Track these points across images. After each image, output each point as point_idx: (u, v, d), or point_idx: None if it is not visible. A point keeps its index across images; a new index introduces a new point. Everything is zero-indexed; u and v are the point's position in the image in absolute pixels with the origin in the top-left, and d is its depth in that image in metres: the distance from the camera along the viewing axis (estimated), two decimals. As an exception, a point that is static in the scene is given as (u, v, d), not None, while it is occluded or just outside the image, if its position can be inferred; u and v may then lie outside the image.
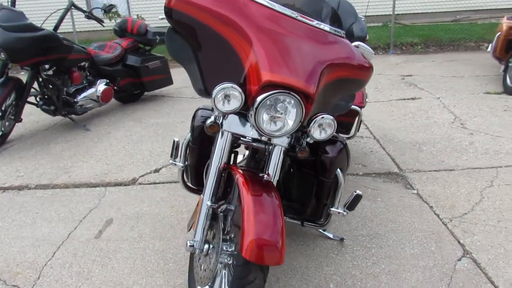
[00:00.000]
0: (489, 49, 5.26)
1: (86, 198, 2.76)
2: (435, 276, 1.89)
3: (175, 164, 1.99)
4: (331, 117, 1.57)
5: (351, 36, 2.56)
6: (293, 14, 1.58)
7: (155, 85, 4.95)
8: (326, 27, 1.63)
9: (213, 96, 1.45)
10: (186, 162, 1.98)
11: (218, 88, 1.43)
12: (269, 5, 1.56)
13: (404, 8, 8.95)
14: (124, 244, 2.24)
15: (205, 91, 1.63)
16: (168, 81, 5.10)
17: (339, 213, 1.82)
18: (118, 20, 5.41)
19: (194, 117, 1.92)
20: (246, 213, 1.36)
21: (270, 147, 1.63)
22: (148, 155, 3.39)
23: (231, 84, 1.43)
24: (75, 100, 4.08)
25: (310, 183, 1.82)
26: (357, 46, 1.75)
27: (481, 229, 2.21)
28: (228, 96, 1.45)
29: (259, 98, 1.43)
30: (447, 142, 3.36)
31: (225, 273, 1.59)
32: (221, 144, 1.59)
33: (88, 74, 4.36)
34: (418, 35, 7.85)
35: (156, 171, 3.11)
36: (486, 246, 2.07)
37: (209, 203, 1.59)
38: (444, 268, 1.93)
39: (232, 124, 1.57)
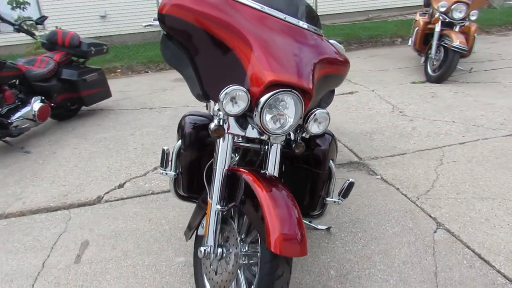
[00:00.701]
0: (409, 43, 5.79)
1: (50, 223, 2.57)
2: (420, 249, 2.07)
3: (166, 174, 1.95)
4: (325, 111, 1.66)
5: None
6: (281, 15, 1.65)
7: (94, 99, 4.71)
8: (310, 27, 1.72)
9: (220, 99, 1.46)
10: (178, 170, 1.95)
11: (225, 91, 1.45)
12: (258, 7, 1.61)
13: (323, 9, 9.47)
14: (110, 264, 2.13)
15: (204, 96, 1.63)
16: (107, 93, 4.88)
17: (334, 202, 1.92)
18: (45, 33, 5.04)
19: (182, 124, 1.90)
20: (267, 209, 1.39)
21: (266, 147, 1.68)
22: (107, 171, 3.23)
23: (238, 86, 1.45)
24: (9, 121, 3.74)
25: (304, 177, 1.89)
26: (332, 44, 1.87)
27: (445, 202, 2.46)
28: (234, 98, 1.47)
29: (264, 98, 1.47)
30: (393, 130, 3.65)
31: (242, 274, 1.60)
32: (224, 147, 1.60)
33: (19, 92, 4.02)
34: (340, 34, 8.35)
35: (121, 186, 2.98)
36: (454, 217, 2.31)
37: (219, 207, 1.59)
38: (425, 241, 2.12)
39: (234, 126, 1.59)
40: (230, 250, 1.59)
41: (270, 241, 1.34)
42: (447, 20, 4.94)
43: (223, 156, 1.61)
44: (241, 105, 1.48)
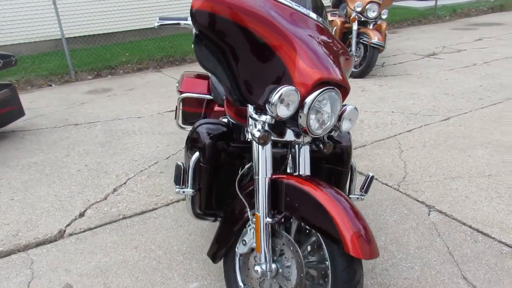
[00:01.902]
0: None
1: (9, 272, 2.11)
2: (425, 232, 2.17)
3: (183, 192, 1.73)
4: (354, 106, 1.64)
5: None
6: (305, 11, 1.58)
7: (7, 119, 4.03)
8: (324, 22, 1.68)
9: (272, 101, 1.34)
10: (196, 187, 1.75)
11: (279, 92, 1.33)
12: (288, 3, 1.52)
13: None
14: (113, 306, 1.83)
15: (243, 99, 1.48)
16: (20, 112, 4.23)
17: (357, 198, 1.90)
18: None
19: (197, 135, 1.71)
20: (335, 213, 1.32)
21: (293, 149, 1.60)
22: (55, 200, 2.78)
23: (290, 87, 1.35)
24: None
25: (327, 176, 1.84)
26: None
27: (424, 186, 2.63)
28: (283, 100, 1.36)
29: (311, 97, 1.39)
30: (343, 124, 3.80)
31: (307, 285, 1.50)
32: (265, 155, 1.48)
33: None
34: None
35: (81, 215, 2.59)
36: (439, 198, 2.48)
37: (269, 219, 1.47)
38: (425, 224, 2.24)
39: (273, 131, 1.49)
40: (288, 263, 1.47)
41: (347, 245, 1.27)
42: (362, 19, 5.32)
43: (265, 164, 1.48)
44: (292, 107, 1.38)
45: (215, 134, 1.71)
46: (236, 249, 1.60)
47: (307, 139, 1.55)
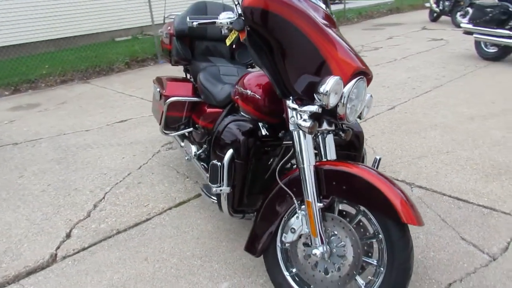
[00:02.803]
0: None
1: (8, 307, 1.90)
2: (416, 205, 2.41)
3: (220, 191, 1.73)
4: (370, 94, 1.79)
5: None
6: (322, 4, 1.69)
7: None
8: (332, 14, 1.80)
9: (324, 91, 1.43)
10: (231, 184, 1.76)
11: (330, 82, 1.42)
12: (312, -2, 1.62)
13: (147, 20, 9.29)
14: (148, 319, 1.76)
15: (289, 92, 1.54)
16: None
17: None
18: None
19: (228, 133, 1.74)
20: (384, 187, 1.44)
21: (317, 138, 1.70)
22: (30, 224, 2.53)
23: (337, 77, 1.45)
24: None
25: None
26: None
27: (398, 167, 2.90)
28: (333, 89, 1.46)
29: (348, 86, 1.50)
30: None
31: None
32: (306, 143, 1.57)
33: None
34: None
35: (68, 236, 2.40)
36: (414, 176, 2.76)
37: (321, 204, 1.55)
38: (413, 199, 2.47)
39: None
40: (342, 243, 1.56)
41: (401, 214, 1.40)
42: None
43: (307, 152, 1.56)
44: (338, 96, 1.48)
45: (246, 130, 1.75)
46: (283, 239, 1.65)
47: (332, 127, 1.65)
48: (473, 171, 2.76)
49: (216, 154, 1.80)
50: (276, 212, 1.67)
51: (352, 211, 1.63)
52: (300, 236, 1.62)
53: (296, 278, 1.70)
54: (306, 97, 1.52)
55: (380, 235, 1.51)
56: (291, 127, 1.58)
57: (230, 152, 1.72)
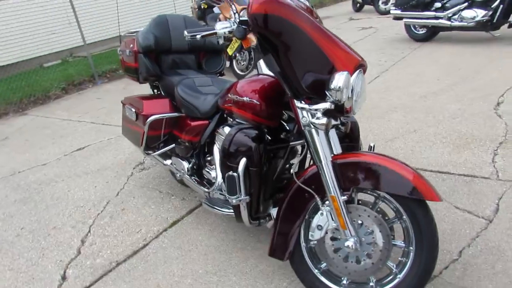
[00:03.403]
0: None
1: None
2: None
3: (239, 201, 1.71)
4: None
5: (212, 46, 2.76)
6: (310, 4, 1.74)
7: None
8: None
9: (337, 87, 1.46)
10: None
11: (341, 78, 1.46)
12: (301, -1, 1.66)
13: (76, 41, 8.87)
14: None
15: (298, 92, 1.56)
16: None
17: None
18: None
19: (239, 141, 1.72)
20: (401, 170, 1.53)
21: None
22: (15, 274, 2.31)
23: (345, 73, 1.49)
24: None
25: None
26: None
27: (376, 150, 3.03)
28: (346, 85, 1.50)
29: (354, 79, 1.56)
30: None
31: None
32: (321, 140, 1.60)
33: None
34: (112, 62, 8.04)
35: (64, 278, 2.23)
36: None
37: (344, 197, 1.59)
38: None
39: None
40: (369, 230, 1.61)
41: (423, 193, 1.48)
42: (239, 25, 5.64)
43: (325, 148, 1.60)
44: (348, 91, 1.53)
45: (255, 137, 1.75)
46: (310, 237, 1.66)
47: (337, 121, 1.70)
48: (443, 144, 2.96)
49: (227, 166, 1.77)
50: (298, 212, 1.69)
51: (370, 199, 1.68)
52: (326, 232, 1.65)
53: (326, 274, 1.73)
54: (316, 95, 1.55)
55: (404, 216, 1.58)
56: (304, 127, 1.60)
57: (243, 161, 1.70)
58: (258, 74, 1.92)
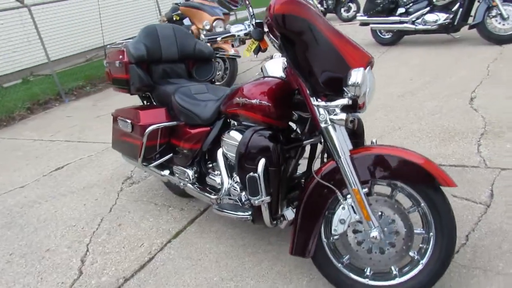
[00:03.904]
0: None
1: None
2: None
3: (262, 201, 1.71)
4: None
5: (201, 54, 2.78)
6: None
7: None
8: None
9: (359, 82, 1.52)
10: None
11: (359, 74, 1.52)
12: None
13: (36, 59, 8.57)
14: None
15: (316, 90, 1.59)
16: None
17: None
18: None
19: (257, 142, 1.74)
20: (417, 160, 1.62)
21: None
22: (14, 301, 2.20)
23: (361, 69, 1.55)
24: None
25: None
26: None
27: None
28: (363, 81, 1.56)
29: (368, 76, 1.62)
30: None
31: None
32: (338, 136, 1.65)
33: None
34: (78, 78, 7.82)
35: (69, 299, 2.14)
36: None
37: (365, 190, 1.64)
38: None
39: None
40: (390, 219, 1.66)
41: (440, 179, 1.56)
42: (212, 36, 5.67)
43: (342, 144, 1.65)
44: (364, 86, 1.58)
45: (272, 137, 1.76)
46: (333, 231, 1.69)
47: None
48: (429, 139, 3.09)
49: (245, 168, 1.78)
50: (318, 208, 1.71)
51: (386, 191, 1.73)
52: (349, 225, 1.68)
53: (349, 267, 1.76)
54: (333, 92, 1.60)
55: (422, 204, 1.64)
56: (322, 124, 1.63)
57: (262, 161, 1.71)
58: (264, 77, 1.95)
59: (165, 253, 2.36)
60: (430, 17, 5.56)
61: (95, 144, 4.51)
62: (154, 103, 2.74)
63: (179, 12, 5.86)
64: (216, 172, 2.29)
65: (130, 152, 2.68)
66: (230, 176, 2.14)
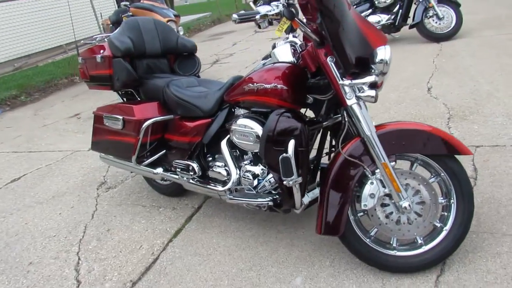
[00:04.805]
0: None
1: None
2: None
3: (295, 182, 1.71)
4: None
5: (184, 48, 2.74)
6: None
7: None
8: None
9: (382, 60, 1.60)
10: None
11: (389, 52, 1.60)
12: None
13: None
14: None
15: (349, 66, 1.63)
16: None
17: None
18: None
19: (285, 124, 1.74)
20: (437, 132, 1.73)
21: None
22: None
23: (386, 46, 1.63)
24: None
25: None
26: None
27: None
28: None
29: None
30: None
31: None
32: (364, 113, 1.71)
33: None
34: (10, 88, 7.20)
35: (74, 311, 1.96)
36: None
37: (393, 163, 1.71)
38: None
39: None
40: (415, 189, 1.75)
41: (458, 148, 1.69)
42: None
43: (368, 120, 1.71)
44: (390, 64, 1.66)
45: (298, 117, 1.78)
46: (363, 206, 1.74)
47: None
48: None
49: (273, 151, 1.76)
50: (346, 185, 1.74)
51: (404, 166, 1.82)
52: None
53: (377, 241, 1.81)
54: (360, 70, 1.65)
55: (442, 173, 1.75)
56: (349, 102, 1.68)
57: (292, 142, 1.71)
58: (274, 63, 1.95)
59: (170, 252, 2.26)
60: (373, 18, 5.91)
61: (51, 153, 4.19)
62: (139, 100, 2.62)
63: (129, 13, 5.64)
64: (219, 164, 2.24)
65: (119, 151, 2.52)
66: (237, 166, 2.11)
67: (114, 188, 3.12)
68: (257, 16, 1.66)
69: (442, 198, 1.78)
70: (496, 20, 6.12)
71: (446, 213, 1.78)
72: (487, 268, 1.75)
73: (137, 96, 2.66)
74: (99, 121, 2.58)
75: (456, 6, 5.48)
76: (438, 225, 1.77)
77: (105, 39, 2.82)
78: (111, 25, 6.29)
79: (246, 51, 7.67)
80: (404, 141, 1.72)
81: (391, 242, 1.81)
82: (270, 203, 1.94)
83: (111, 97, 5.82)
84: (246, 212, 2.48)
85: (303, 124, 1.76)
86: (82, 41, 2.82)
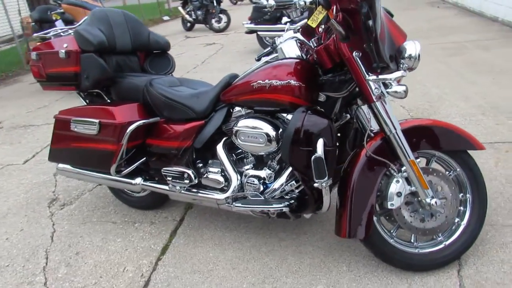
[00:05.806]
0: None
1: None
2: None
3: (327, 183, 1.59)
4: None
5: (157, 45, 2.54)
6: None
7: None
8: None
9: (411, 55, 1.58)
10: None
11: (418, 47, 1.58)
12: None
13: None
14: None
15: (382, 61, 1.57)
16: None
17: None
18: None
19: (310, 124, 1.62)
20: (450, 126, 1.76)
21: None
22: None
23: (415, 41, 1.62)
24: None
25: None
26: None
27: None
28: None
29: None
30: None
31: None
32: (388, 110, 1.68)
33: None
34: None
35: None
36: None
37: (419, 160, 1.69)
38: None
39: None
40: (439, 186, 1.74)
41: (475, 144, 1.74)
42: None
43: (393, 117, 1.67)
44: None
45: (324, 115, 1.68)
46: (390, 206, 1.68)
47: None
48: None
49: (301, 152, 1.63)
50: (371, 184, 1.67)
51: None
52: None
53: (398, 241, 1.77)
54: (389, 65, 1.61)
55: (458, 169, 1.77)
56: (375, 99, 1.62)
57: (321, 141, 1.59)
58: (282, 59, 1.84)
59: (162, 272, 2.00)
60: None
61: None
62: (112, 101, 2.31)
63: (60, 10, 5.09)
64: (213, 170, 2.04)
65: (91, 161, 2.18)
66: (237, 171, 1.95)
67: (70, 205, 2.72)
68: (297, 1, 1.52)
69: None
70: (420, 32, 6.64)
71: (462, 208, 1.79)
72: (500, 258, 1.80)
73: (105, 98, 2.35)
74: (63, 127, 2.21)
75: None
76: (456, 220, 1.79)
77: (62, 33, 2.46)
78: (32, 23, 5.62)
79: (183, 55, 7.40)
80: (425, 137, 1.71)
81: (412, 241, 1.78)
82: (285, 209, 1.81)
83: (36, 104, 5.23)
84: (237, 221, 2.30)
85: (330, 121, 1.66)
86: (35, 35, 2.41)
